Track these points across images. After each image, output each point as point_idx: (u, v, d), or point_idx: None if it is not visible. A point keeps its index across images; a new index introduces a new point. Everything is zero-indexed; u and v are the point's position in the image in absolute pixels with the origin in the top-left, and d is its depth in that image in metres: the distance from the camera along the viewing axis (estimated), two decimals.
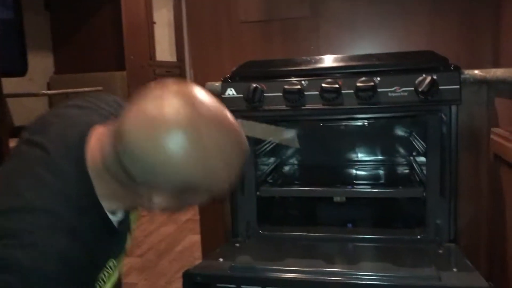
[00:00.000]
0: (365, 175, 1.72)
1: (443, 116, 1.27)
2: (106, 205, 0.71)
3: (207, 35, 1.82)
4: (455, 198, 1.30)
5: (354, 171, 1.76)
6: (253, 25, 1.96)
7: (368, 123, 1.78)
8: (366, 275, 1.09)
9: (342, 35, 1.83)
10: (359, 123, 1.79)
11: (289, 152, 1.92)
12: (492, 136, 1.23)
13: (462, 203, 1.31)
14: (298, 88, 1.30)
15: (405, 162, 1.80)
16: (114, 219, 0.74)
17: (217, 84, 1.46)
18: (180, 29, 5.01)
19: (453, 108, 1.26)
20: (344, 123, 1.81)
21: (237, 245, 1.38)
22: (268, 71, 1.41)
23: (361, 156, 1.86)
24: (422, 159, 1.54)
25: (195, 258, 2.34)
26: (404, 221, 1.53)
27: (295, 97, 1.31)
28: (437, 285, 1.04)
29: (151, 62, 4.58)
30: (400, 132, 1.81)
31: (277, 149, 1.85)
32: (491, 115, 1.26)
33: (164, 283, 2.25)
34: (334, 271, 1.14)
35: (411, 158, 1.74)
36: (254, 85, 1.33)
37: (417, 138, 1.61)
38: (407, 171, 1.73)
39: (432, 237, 1.31)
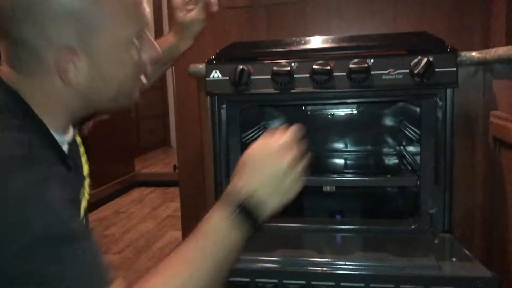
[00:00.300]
0: (354, 165, 1.66)
1: (438, 101, 1.22)
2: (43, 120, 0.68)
3: None
4: (450, 187, 1.24)
5: (343, 161, 1.70)
6: (237, 10, 1.88)
7: (357, 111, 1.72)
8: (362, 265, 1.04)
9: (330, 21, 1.78)
10: (348, 111, 1.73)
11: None
12: (491, 119, 1.18)
13: (457, 192, 1.26)
14: (288, 70, 1.23)
15: (394, 152, 1.75)
16: (58, 137, 0.70)
17: (201, 66, 1.38)
18: (159, 22, 4.91)
19: (449, 92, 1.20)
20: (332, 111, 1.74)
21: None
22: (256, 52, 1.34)
23: (349, 146, 1.80)
24: (413, 148, 1.49)
25: None
26: (395, 212, 1.48)
27: (284, 80, 1.24)
28: (437, 275, 0.98)
29: None
30: (390, 121, 1.75)
31: None
32: (489, 98, 1.21)
33: None
34: (328, 261, 1.08)
35: (401, 147, 1.69)
36: (241, 67, 1.25)
37: (409, 126, 1.56)
38: (397, 161, 1.68)
39: (426, 227, 1.26)
